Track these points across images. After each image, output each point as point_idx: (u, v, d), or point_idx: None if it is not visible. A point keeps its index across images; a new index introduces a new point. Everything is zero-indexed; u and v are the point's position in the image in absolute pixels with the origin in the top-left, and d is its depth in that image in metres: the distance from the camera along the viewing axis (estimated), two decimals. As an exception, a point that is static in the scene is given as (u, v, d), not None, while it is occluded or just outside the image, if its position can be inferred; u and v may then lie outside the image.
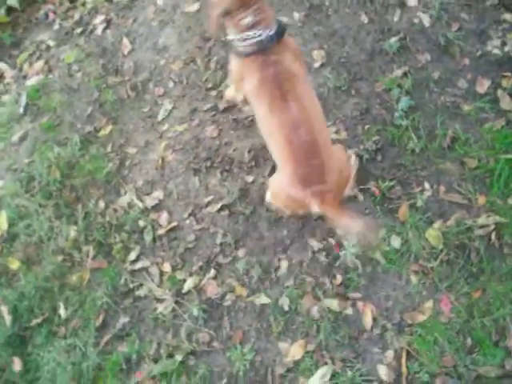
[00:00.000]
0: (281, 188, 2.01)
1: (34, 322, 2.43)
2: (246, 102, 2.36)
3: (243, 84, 2.03)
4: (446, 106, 2.54)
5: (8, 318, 2.42)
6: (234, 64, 2.07)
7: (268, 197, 2.37)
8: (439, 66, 2.70)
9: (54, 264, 2.52)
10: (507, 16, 2.71)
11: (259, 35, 1.88)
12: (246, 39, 1.91)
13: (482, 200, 2.23)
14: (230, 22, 1.94)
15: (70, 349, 2.30)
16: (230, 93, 2.66)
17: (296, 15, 3.09)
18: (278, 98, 1.89)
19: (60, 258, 2.54)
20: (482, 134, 2.39)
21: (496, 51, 2.63)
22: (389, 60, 2.80)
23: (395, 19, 2.93)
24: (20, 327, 2.45)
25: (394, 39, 2.83)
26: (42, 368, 2.33)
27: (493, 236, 2.13)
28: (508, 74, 2.53)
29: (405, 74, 2.71)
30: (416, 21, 2.88)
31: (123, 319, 2.36)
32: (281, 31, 1.93)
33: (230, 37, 1.98)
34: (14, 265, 2.57)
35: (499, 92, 2.49)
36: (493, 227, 2.14)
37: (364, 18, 2.97)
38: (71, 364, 2.24)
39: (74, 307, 2.41)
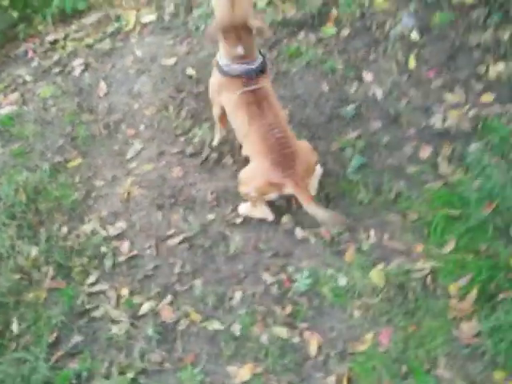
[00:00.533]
0: (260, 174, 2.58)
1: (-16, 334, 2.52)
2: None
3: (220, 96, 2.72)
4: (393, 167, 2.95)
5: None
6: (217, 78, 2.72)
7: (242, 209, 2.84)
8: (389, 132, 3.13)
9: (11, 281, 2.65)
10: (449, 96, 3.21)
11: (247, 65, 2.55)
12: (232, 65, 2.58)
13: (420, 248, 2.58)
14: (224, 47, 2.55)
15: (19, 362, 2.39)
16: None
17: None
18: (255, 107, 2.57)
19: (18, 276, 2.68)
20: (422, 192, 2.78)
21: (438, 125, 3.09)
22: (345, 124, 3.22)
23: (352, 90, 3.39)
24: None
25: (350, 107, 3.26)
26: (-11, 378, 2.41)
27: (428, 279, 2.46)
28: (447, 144, 2.97)
29: (358, 137, 3.13)
30: (370, 93, 3.34)
31: (77, 338, 2.49)
32: (264, 67, 2.67)
33: (220, 58, 2.64)
34: (-31, 277, 2.68)
35: (439, 159, 2.93)
36: (428, 271, 2.47)
37: (325, 87, 3.42)
38: (20, 376, 2.33)
39: (27, 323, 2.52)
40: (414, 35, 3.59)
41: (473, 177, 2.75)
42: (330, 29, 3.78)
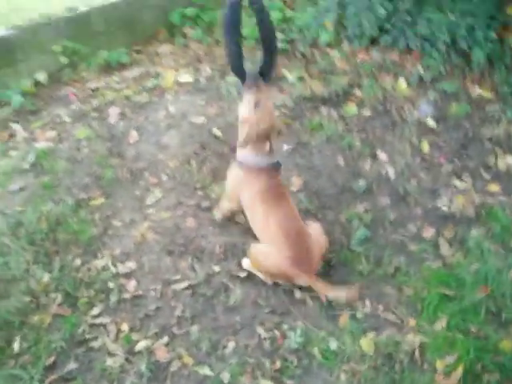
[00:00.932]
0: (275, 262, 2.75)
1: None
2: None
3: (240, 190, 2.93)
4: (396, 243, 3.09)
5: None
6: (237, 173, 2.95)
7: (245, 264, 2.97)
8: (396, 210, 3.30)
9: (20, 302, 2.79)
10: (457, 182, 3.39)
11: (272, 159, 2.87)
12: (257, 158, 2.85)
13: (412, 322, 2.68)
14: (253, 147, 2.83)
15: (15, 379, 2.50)
16: (224, 205, 3.23)
17: (285, 146, 3.74)
18: (274, 201, 2.81)
19: (28, 298, 2.82)
20: (420, 270, 2.91)
21: (444, 208, 3.26)
22: (355, 197, 3.40)
23: (366, 167, 3.60)
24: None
25: (362, 182, 3.45)
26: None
27: (416, 352, 2.54)
28: (450, 227, 3.12)
29: (366, 211, 3.29)
30: (383, 171, 3.54)
31: (73, 365, 2.60)
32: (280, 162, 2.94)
33: (245, 153, 2.87)
34: (-19, 292, 2.84)
35: (441, 240, 3.07)
36: (418, 345, 2.56)
37: (341, 161, 3.63)
38: (15, 393, 2.45)
39: (28, 344, 2.65)
40: (431, 122, 3.83)
41: (471, 260, 2.88)
42: (351, 108, 4.04)
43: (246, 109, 2.75)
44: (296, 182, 3.56)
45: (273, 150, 2.87)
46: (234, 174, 3.00)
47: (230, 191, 3.07)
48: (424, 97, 4.14)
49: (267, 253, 2.79)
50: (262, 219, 2.83)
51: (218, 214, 3.29)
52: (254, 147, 2.82)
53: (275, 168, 2.88)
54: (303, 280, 2.77)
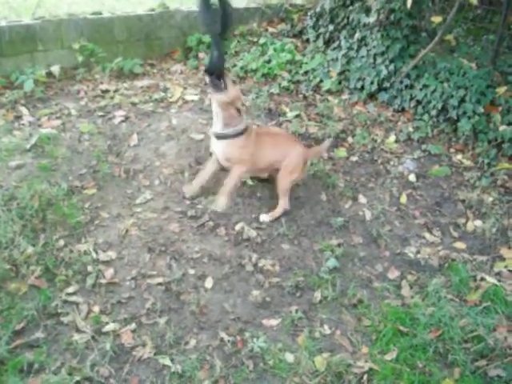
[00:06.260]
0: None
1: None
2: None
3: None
4: (362, 278, 3.32)
5: None
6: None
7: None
8: (366, 249, 3.54)
9: (0, 268, 2.95)
10: (427, 235, 3.66)
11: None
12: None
13: (365, 350, 2.88)
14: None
15: (-17, 338, 2.64)
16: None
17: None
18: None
19: (8, 266, 2.98)
20: (380, 305, 3.13)
21: (411, 254, 3.51)
22: (331, 231, 3.64)
23: (346, 206, 3.86)
24: None
25: (339, 219, 3.70)
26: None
27: (365, 377, 2.73)
28: (414, 272, 3.36)
29: (339, 245, 3.53)
30: (361, 213, 3.80)
31: (40, 334, 2.74)
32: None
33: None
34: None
35: (403, 282, 3.31)
36: (366, 370, 2.75)
37: (323, 197, 3.89)
38: (-21, 349, 2.58)
39: (1, 307, 2.79)
40: (412, 177, 4.14)
41: (428, 304, 3.10)
42: (341, 152, 4.33)
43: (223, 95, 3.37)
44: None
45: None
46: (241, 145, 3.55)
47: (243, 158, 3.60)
48: (409, 154, 4.47)
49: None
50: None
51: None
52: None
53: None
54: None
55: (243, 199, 3.77)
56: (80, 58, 4.68)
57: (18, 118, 4.11)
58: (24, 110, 4.16)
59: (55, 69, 4.55)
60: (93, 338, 2.76)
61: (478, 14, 5.65)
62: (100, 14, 4.89)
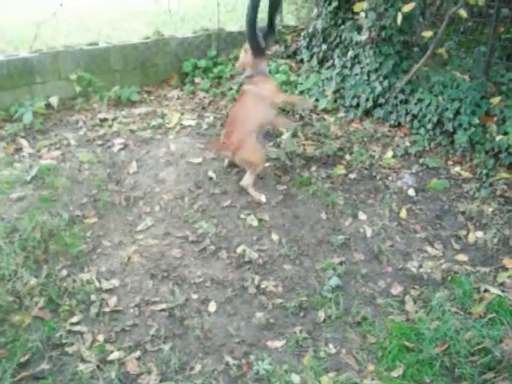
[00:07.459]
0: None
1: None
2: None
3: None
4: (365, 295, 3.32)
5: None
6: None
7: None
8: (368, 265, 3.55)
9: (4, 300, 2.97)
10: (428, 248, 3.67)
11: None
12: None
13: (371, 368, 2.87)
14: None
15: (-12, 372, 2.65)
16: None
17: (274, 198, 4.02)
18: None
19: (11, 298, 3.00)
20: (385, 322, 3.12)
21: (413, 269, 3.51)
22: (332, 249, 3.66)
23: (346, 223, 3.87)
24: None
25: (340, 236, 3.72)
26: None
27: (372, 395, 2.73)
28: (417, 287, 3.36)
29: (340, 263, 3.54)
30: (361, 230, 3.82)
31: (46, 365, 2.75)
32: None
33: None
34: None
35: (407, 297, 3.30)
36: (373, 388, 2.75)
37: (323, 216, 3.91)
38: (-15, 382, 2.59)
39: (6, 340, 2.81)
40: (411, 192, 4.15)
41: (433, 318, 3.10)
42: (340, 170, 4.36)
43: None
44: (279, 233, 3.78)
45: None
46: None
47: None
48: (408, 168, 4.49)
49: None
50: None
51: None
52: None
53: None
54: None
55: (243, 222, 3.78)
56: (78, 89, 4.75)
57: (19, 150, 4.16)
58: (24, 142, 4.22)
59: (53, 100, 4.62)
60: (98, 367, 2.77)
61: (469, 27, 5.71)
62: (96, 44, 4.98)
